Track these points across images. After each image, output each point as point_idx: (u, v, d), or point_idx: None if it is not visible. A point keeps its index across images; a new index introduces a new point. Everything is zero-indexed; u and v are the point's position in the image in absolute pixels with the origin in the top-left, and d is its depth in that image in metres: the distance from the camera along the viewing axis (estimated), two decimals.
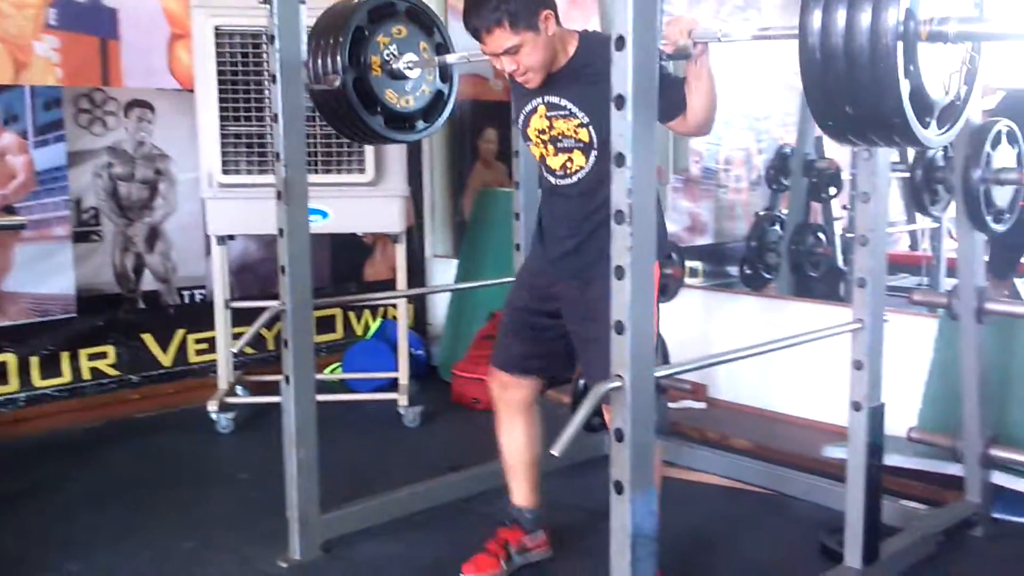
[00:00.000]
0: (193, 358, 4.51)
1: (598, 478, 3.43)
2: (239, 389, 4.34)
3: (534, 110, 2.52)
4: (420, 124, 3.06)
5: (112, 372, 4.29)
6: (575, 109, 2.44)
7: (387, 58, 2.89)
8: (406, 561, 2.90)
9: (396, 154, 4.03)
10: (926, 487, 3.28)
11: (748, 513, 3.28)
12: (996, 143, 2.70)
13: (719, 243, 6.66)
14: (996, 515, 3.08)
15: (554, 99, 2.47)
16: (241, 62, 3.83)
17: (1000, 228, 2.78)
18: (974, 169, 2.66)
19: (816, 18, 1.67)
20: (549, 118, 2.50)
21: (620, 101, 1.79)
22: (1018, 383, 3.22)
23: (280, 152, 2.63)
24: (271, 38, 2.58)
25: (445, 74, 3.08)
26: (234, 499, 3.40)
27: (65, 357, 4.15)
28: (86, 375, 4.22)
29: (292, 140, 2.65)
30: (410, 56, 2.92)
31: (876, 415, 2.56)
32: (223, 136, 3.85)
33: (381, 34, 2.88)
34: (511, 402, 2.79)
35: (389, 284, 5.00)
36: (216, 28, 3.79)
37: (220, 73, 3.82)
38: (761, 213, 5.94)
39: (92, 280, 4.20)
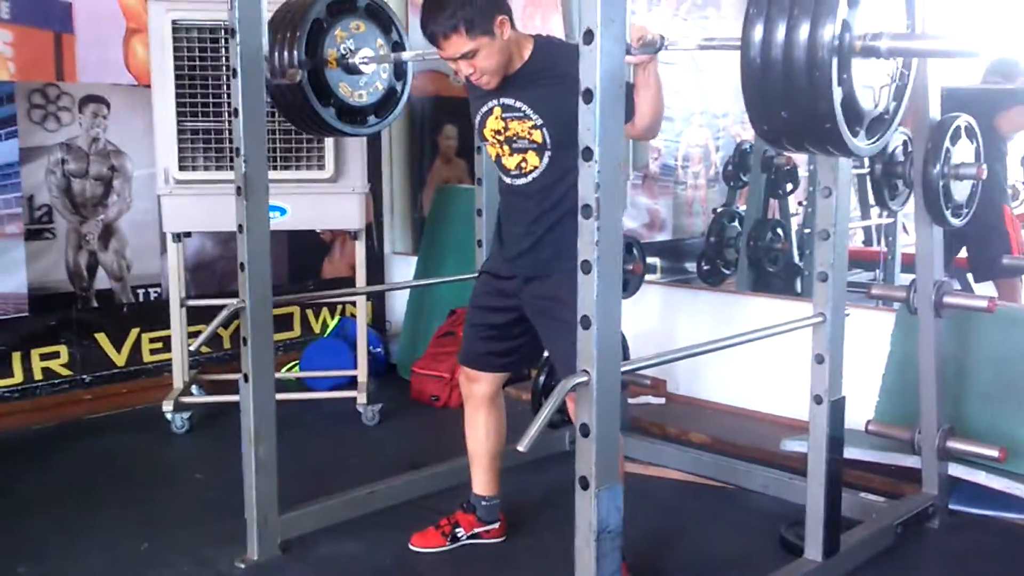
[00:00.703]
0: (148, 357, 4.44)
1: (559, 474, 3.47)
2: (194, 388, 4.27)
3: (490, 111, 2.57)
4: (372, 119, 3.10)
5: (64, 372, 4.20)
6: (529, 111, 2.50)
7: (343, 52, 2.92)
8: (366, 560, 2.88)
9: (356, 150, 4.00)
10: (883, 479, 3.33)
11: (707, 507, 3.30)
12: (956, 138, 2.74)
13: (677, 239, 6.71)
14: (953, 507, 3.14)
15: (509, 101, 2.52)
16: (199, 57, 3.78)
17: (958, 223, 2.82)
18: (934, 164, 2.70)
19: (758, 30, 1.75)
20: (504, 119, 2.54)
21: (588, 95, 1.79)
22: (974, 376, 3.28)
23: (240, 147, 2.59)
24: (231, 32, 2.54)
25: (399, 71, 3.12)
26: (190, 499, 3.35)
27: (16, 357, 4.06)
28: (38, 375, 4.13)
29: (252, 135, 2.61)
30: (366, 51, 2.96)
31: (837, 408, 2.58)
32: (180, 132, 3.80)
33: (339, 28, 2.92)
34: (476, 395, 2.87)
35: (347, 281, 4.96)
36: (173, 22, 3.74)
37: (177, 68, 3.76)
38: (719, 209, 5.99)
39: (44, 278, 4.11)
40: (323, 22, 2.88)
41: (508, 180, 2.63)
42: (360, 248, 4.17)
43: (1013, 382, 3.24)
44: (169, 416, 3.98)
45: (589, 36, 1.78)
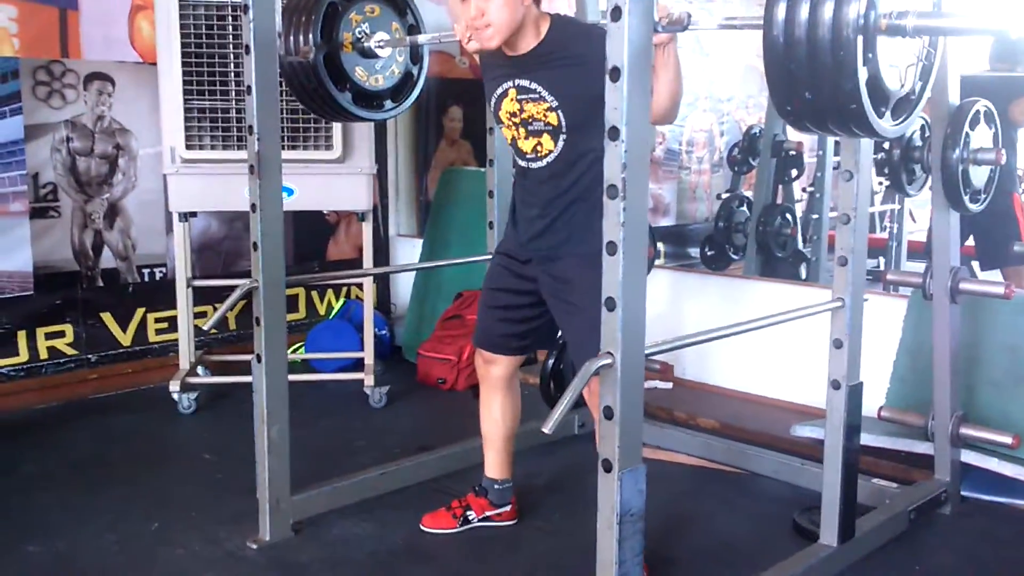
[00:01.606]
0: (153, 337, 4.42)
1: (568, 457, 3.47)
2: (200, 369, 4.25)
3: (505, 93, 2.53)
4: (388, 104, 3.06)
5: (70, 351, 4.18)
6: (545, 93, 2.45)
7: (359, 36, 2.88)
8: (378, 541, 2.86)
9: (363, 131, 3.97)
10: (894, 465, 3.32)
11: (718, 492, 3.29)
12: (975, 123, 2.72)
13: (681, 224, 6.70)
14: (965, 493, 3.13)
15: (524, 82, 2.48)
16: (206, 34, 3.74)
17: (976, 208, 2.81)
18: (953, 149, 2.68)
19: (781, 8, 1.71)
20: (520, 101, 2.51)
21: (615, 73, 1.76)
22: (986, 363, 3.27)
23: (253, 125, 2.56)
24: (245, 8, 2.51)
25: (416, 55, 3.09)
26: (199, 480, 3.33)
27: (22, 336, 4.04)
28: (43, 354, 4.10)
29: (266, 113, 2.58)
30: (381, 35, 2.92)
31: (855, 394, 2.57)
32: (187, 111, 3.76)
33: (354, 12, 2.88)
34: (492, 377, 2.85)
35: (352, 263, 4.95)
36: None
37: (184, 46, 3.72)
38: (726, 195, 5.97)
39: (49, 257, 4.08)
40: (338, 5, 2.84)
41: (524, 163, 2.60)
42: (367, 229, 4.14)
43: None
44: (176, 396, 3.97)
45: (617, 13, 1.75)
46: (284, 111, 3.72)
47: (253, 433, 2.77)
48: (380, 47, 2.91)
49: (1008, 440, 2.92)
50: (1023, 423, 3.11)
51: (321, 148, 3.89)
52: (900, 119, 1.89)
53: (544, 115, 2.47)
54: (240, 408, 3.52)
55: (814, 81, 1.71)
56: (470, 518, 2.91)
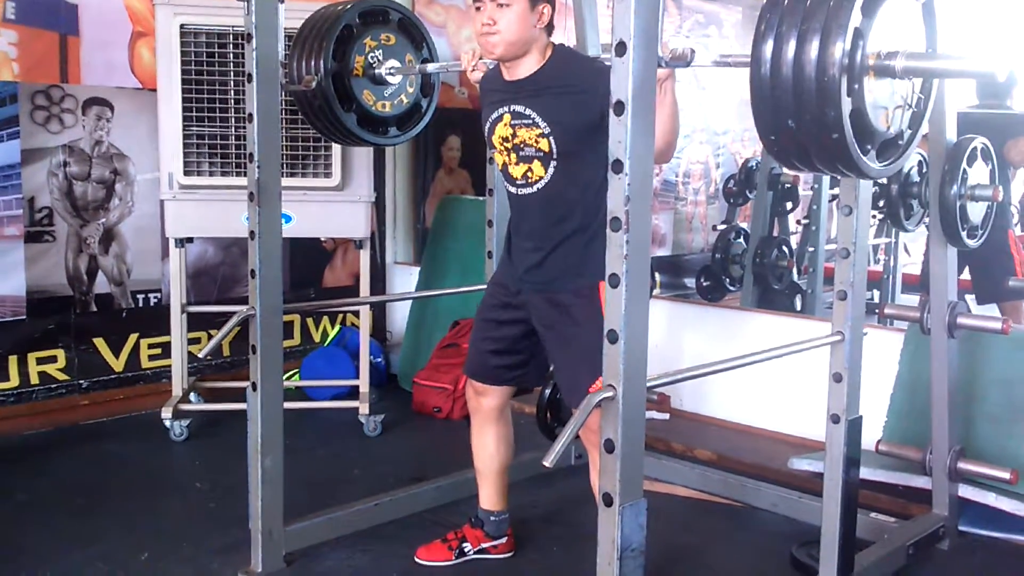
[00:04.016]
0: (146, 363, 4.39)
1: (566, 488, 3.44)
2: (192, 396, 4.23)
3: (499, 118, 2.55)
4: (393, 130, 3.09)
5: (62, 377, 4.15)
6: (538, 119, 2.47)
7: (371, 61, 2.92)
8: (372, 573, 2.83)
9: (362, 159, 3.98)
10: (891, 499, 3.31)
11: (716, 525, 3.27)
12: (972, 160, 2.74)
13: (676, 255, 6.71)
14: (963, 528, 3.12)
15: (519, 108, 2.50)
16: (207, 61, 3.75)
17: (973, 244, 2.81)
18: (951, 185, 2.69)
19: (768, 47, 1.70)
20: (513, 126, 2.52)
21: (619, 107, 1.76)
22: (983, 398, 3.26)
23: (255, 153, 2.56)
24: (248, 37, 2.51)
25: (427, 87, 3.12)
26: (190, 509, 3.30)
27: (13, 361, 4.01)
28: (35, 379, 4.07)
29: (267, 141, 2.57)
30: (393, 62, 2.96)
31: (855, 428, 2.55)
32: (185, 136, 3.77)
33: (369, 37, 2.92)
34: (483, 409, 2.83)
35: (349, 291, 4.93)
36: (181, 27, 3.71)
37: (184, 72, 3.74)
38: (723, 226, 5.99)
39: (43, 281, 4.06)
40: (353, 29, 2.88)
41: (514, 189, 2.60)
42: (365, 257, 4.13)
43: (1023, 404, 3.22)
44: (168, 423, 3.93)
45: (622, 48, 1.76)
46: (284, 138, 3.73)
47: (246, 462, 2.74)
48: (391, 74, 2.95)
49: (1006, 475, 2.91)
50: (1021, 458, 3.10)
51: (320, 176, 3.89)
52: (887, 161, 1.87)
53: (536, 141, 2.48)
54: (233, 436, 3.47)
55: (798, 109, 1.70)
56: (466, 550, 2.88)
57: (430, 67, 3.00)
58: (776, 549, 2.99)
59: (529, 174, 2.53)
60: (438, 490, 3.29)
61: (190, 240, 4.07)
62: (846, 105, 1.68)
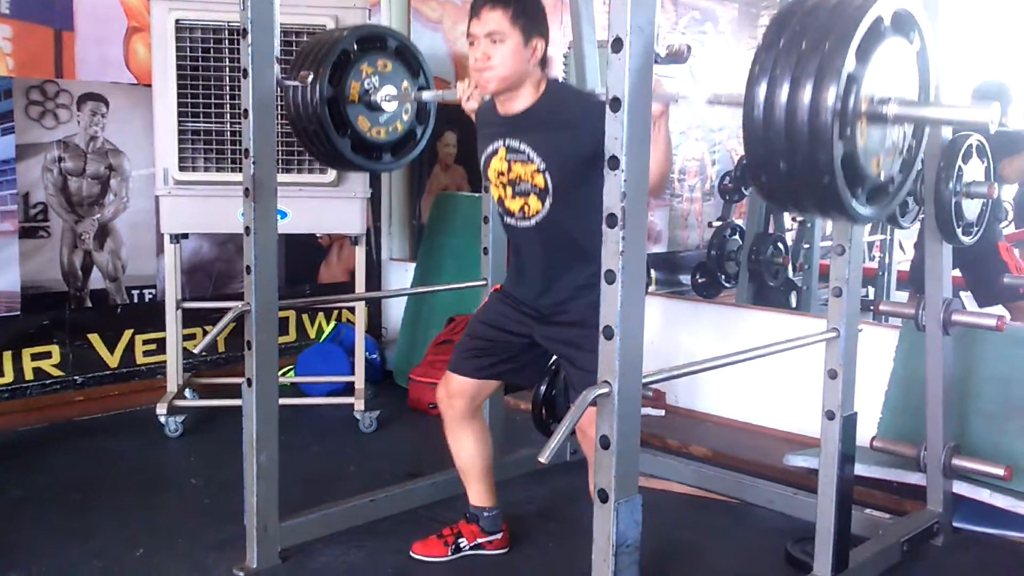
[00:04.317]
0: (141, 359, 4.38)
1: (561, 484, 3.45)
2: (187, 392, 4.22)
3: (495, 152, 2.57)
4: (387, 156, 3.10)
5: (56, 372, 4.14)
6: (533, 155, 2.48)
7: (367, 87, 2.93)
8: (367, 569, 2.83)
9: None
10: (886, 496, 3.32)
11: (712, 521, 3.27)
12: (967, 157, 2.74)
13: (672, 252, 6.71)
14: (957, 524, 3.12)
15: (515, 143, 2.51)
16: (202, 56, 3.75)
17: (968, 241, 2.82)
18: (946, 182, 2.69)
19: (761, 90, 1.70)
20: (509, 161, 2.53)
21: (616, 104, 1.76)
22: (977, 395, 3.27)
23: (250, 148, 2.55)
24: (243, 32, 2.51)
25: (422, 115, 3.13)
26: (185, 505, 3.30)
27: (8, 356, 4.00)
28: (29, 375, 4.06)
29: (262, 137, 2.57)
30: (389, 89, 2.96)
31: (849, 424, 2.56)
32: (181, 132, 3.76)
33: (366, 63, 2.93)
34: (457, 410, 2.81)
35: (344, 287, 4.93)
36: (176, 22, 3.71)
37: (180, 68, 3.73)
38: (719, 223, 5.99)
39: (38, 277, 4.05)
40: (351, 54, 2.89)
41: (512, 222, 2.62)
42: (360, 253, 4.13)
43: (1017, 401, 3.23)
44: (163, 419, 3.93)
45: (618, 44, 1.76)
46: (279, 134, 3.72)
47: (241, 458, 2.75)
48: (386, 101, 2.95)
49: (1000, 472, 2.92)
50: (1015, 454, 3.11)
51: (315, 172, 3.88)
52: (875, 206, 1.87)
53: (531, 176, 2.50)
54: (228, 432, 3.47)
55: (790, 151, 1.69)
56: (461, 546, 2.88)
57: (425, 95, 3.00)
58: (771, 545, 2.99)
59: (526, 208, 2.55)
60: (433, 486, 3.30)
61: (185, 236, 4.06)
62: (838, 149, 1.68)
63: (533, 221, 2.54)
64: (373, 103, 2.93)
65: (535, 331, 2.65)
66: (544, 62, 2.50)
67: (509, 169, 2.53)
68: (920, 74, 1.88)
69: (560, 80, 2.62)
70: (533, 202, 2.52)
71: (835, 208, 1.77)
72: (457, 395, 2.78)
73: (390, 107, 2.97)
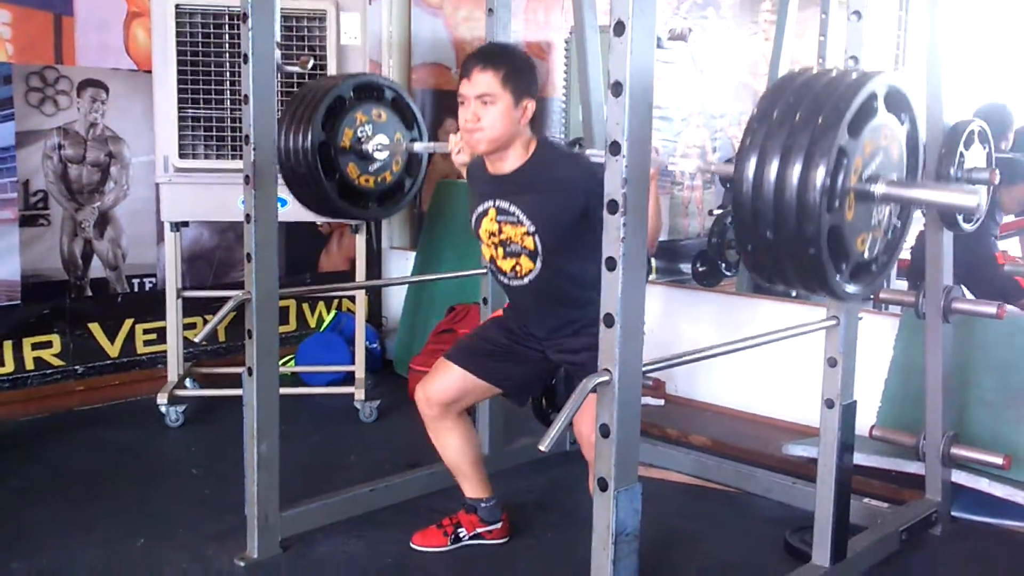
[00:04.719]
0: (141, 349, 4.38)
1: (560, 473, 3.45)
2: (187, 382, 4.22)
3: (485, 212, 2.58)
4: (372, 205, 3.10)
5: (57, 362, 4.14)
6: (523, 217, 2.50)
7: (359, 135, 2.94)
8: (367, 559, 2.84)
9: None
10: (884, 485, 3.32)
11: (710, 511, 3.28)
12: (969, 143, 2.73)
13: (673, 240, 6.70)
14: (955, 513, 3.12)
15: (504, 204, 2.53)
16: (202, 43, 3.74)
17: (969, 228, 2.81)
18: (948, 168, 2.68)
19: (751, 165, 1.71)
20: (499, 222, 2.55)
21: (618, 88, 1.75)
22: (976, 383, 3.27)
23: (250, 135, 2.54)
24: (243, 17, 2.50)
25: (412, 168, 3.13)
26: (186, 495, 3.30)
27: (8, 346, 4.00)
28: (29, 365, 4.06)
29: (263, 123, 2.56)
30: (381, 139, 2.97)
31: (849, 413, 2.56)
32: (181, 119, 3.75)
33: (361, 111, 2.94)
34: (437, 413, 2.79)
35: (344, 276, 4.93)
36: (176, 7, 3.69)
37: (180, 54, 3.72)
38: (719, 211, 5.97)
39: (38, 266, 4.05)
40: (346, 100, 2.90)
41: (504, 280, 2.64)
42: (361, 241, 4.13)
43: (1016, 390, 3.23)
44: (163, 409, 3.93)
45: (620, 28, 1.75)
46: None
47: (241, 447, 2.75)
48: (378, 150, 2.96)
49: (999, 461, 2.92)
50: (1014, 443, 3.11)
51: None
52: (857, 285, 1.88)
53: (522, 239, 2.51)
54: (229, 421, 3.48)
55: (777, 221, 1.69)
56: (461, 535, 2.88)
57: (417, 146, 3.02)
58: (770, 534, 3.00)
59: (518, 268, 2.57)
60: (433, 476, 3.29)
61: (185, 224, 4.05)
62: (826, 220, 1.69)
63: (526, 280, 2.57)
64: (364, 151, 2.95)
65: (546, 350, 2.67)
66: (534, 122, 2.52)
67: (500, 230, 2.56)
68: (908, 155, 1.90)
69: (549, 139, 2.64)
70: (525, 262, 2.55)
71: (818, 280, 1.77)
72: (436, 400, 2.76)
73: (381, 156, 2.98)
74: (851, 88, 1.71)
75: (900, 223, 1.93)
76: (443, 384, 2.75)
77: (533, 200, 2.48)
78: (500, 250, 2.58)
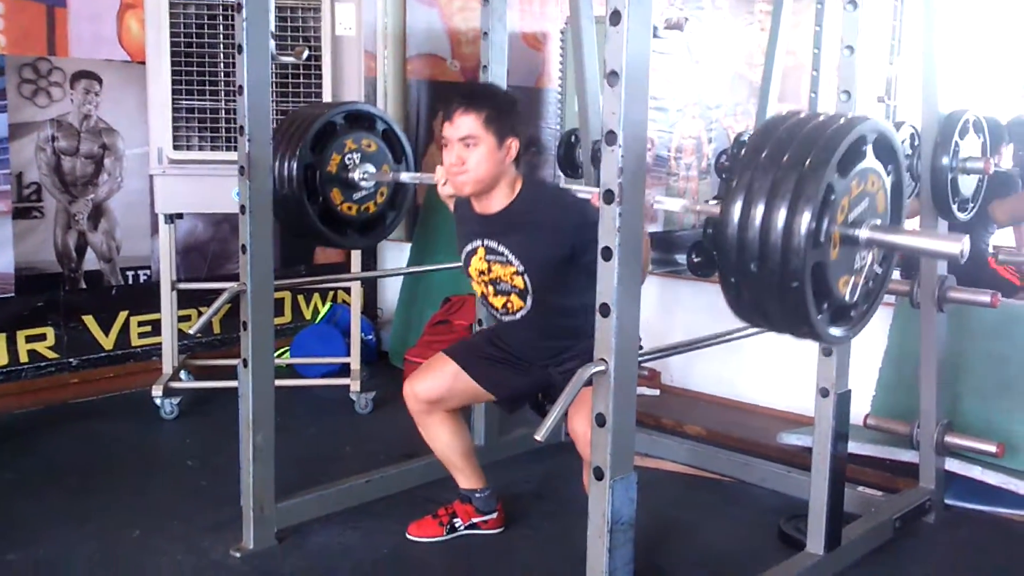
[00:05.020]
0: (136, 341, 4.37)
1: (555, 464, 3.45)
2: (183, 374, 4.22)
3: (474, 251, 2.61)
4: (353, 234, 3.09)
5: (51, 355, 4.13)
6: (512, 257, 2.52)
7: (347, 162, 2.94)
8: (363, 550, 2.84)
9: None
10: (878, 473, 3.34)
11: (705, 499, 3.29)
12: (964, 132, 2.74)
13: (668, 230, 6.69)
14: (949, 501, 3.14)
15: (493, 244, 2.55)
16: (196, 34, 3.72)
17: (964, 217, 2.82)
18: (942, 157, 2.69)
19: (736, 208, 1.72)
20: (488, 261, 2.58)
21: (614, 78, 1.75)
22: (970, 372, 3.28)
23: (245, 126, 2.54)
24: (238, 7, 2.49)
25: (396, 200, 3.13)
26: (181, 486, 3.30)
27: (2, 339, 3.99)
28: (23, 357, 4.05)
29: (257, 113, 2.55)
30: (368, 167, 2.97)
31: (843, 401, 2.57)
32: (175, 110, 3.74)
33: (351, 139, 2.94)
34: (424, 409, 2.80)
35: (340, 267, 4.92)
36: None
37: (173, 45, 3.70)
38: (715, 201, 5.96)
39: (32, 258, 4.04)
40: (336, 126, 2.91)
41: (496, 314, 2.67)
42: None
43: (1009, 378, 3.25)
44: (158, 401, 3.93)
45: (616, 17, 1.75)
46: (274, 111, 3.70)
47: (237, 439, 2.75)
48: (363, 179, 2.97)
49: (992, 448, 2.94)
50: (1007, 432, 3.13)
51: None
52: (836, 328, 1.88)
53: (511, 278, 2.54)
54: (224, 413, 3.48)
55: (763, 253, 1.70)
56: (457, 525, 2.89)
57: (403, 176, 3.02)
58: (764, 523, 3.01)
59: (509, 305, 2.60)
60: (429, 466, 3.29)
61: (180, 216, 4.04)
62: (810, 257, 1.70)
63: (518, 315, 2.60)
64: (350, 179, 2.95)
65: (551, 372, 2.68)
66: (519, 160, 2.52)
67: (489, 269, 2.58)
68: (892, 207, 1.92)
69: (535, 178, 2.65)
70: (515, 300, 2.57)
71: (798, 317, 1.77)
72: (423, 396, 2.76)
73: (366, 185, 2.98)
74: (843, 128, 1.73)
75: (881, 271, 1.95)
76: (432, 382, 2.75)
77: (521, 240, 2.50)
78: (491, 288, 2.61)
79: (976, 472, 3.14)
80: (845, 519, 2.74)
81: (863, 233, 1.79)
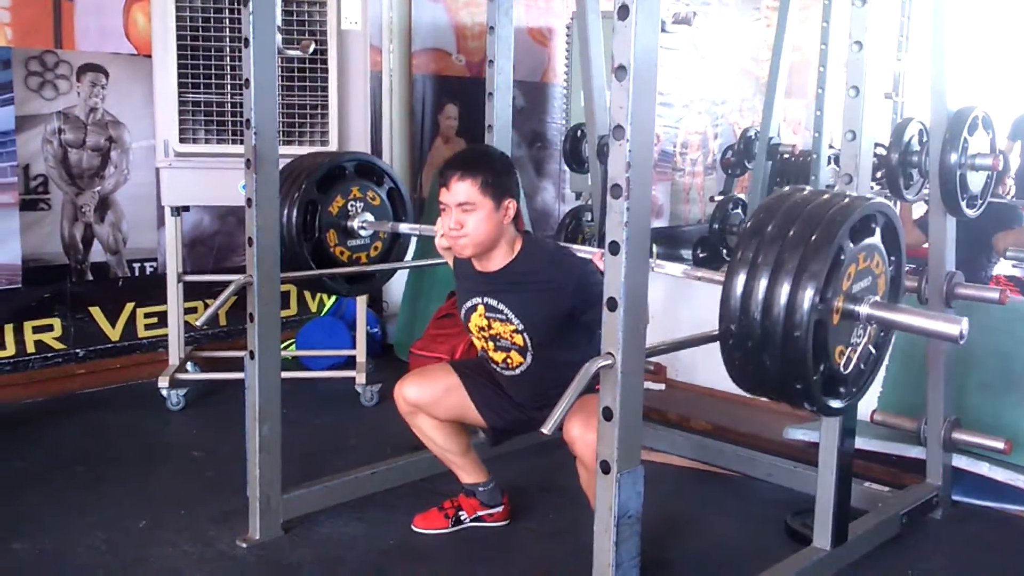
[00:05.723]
0: (142, 332, 4.38)
1: (561, 457, 3.44)
2: (189, 365, 4.23)
3: (474, 308, 2.63)
4: (341, 282, 3.14)
5: (58, 346, 4.14)
6: (511, 315, 2.54)
7: (349, 208, 3.01)
8: (369, 541, 2.85)
9: (359, 127, 3.97)
10: (885, 469, 3.33)
11: (711, 494, 3.29)
12: (973, 129, 2.73)
13: (674, 226, 6.70)
14: (956, 497, 3.14)
15: (493, 302, 2.57)
16: (202, 26, 3.72)
17: (972, 213, 2.81)
18: (951, 154, 2.68)
19: (739, 280, 1.83)
20: (488, 318, 2.60)
21: (622, 72, 1.75)
22: (978, 368, 3.27)
23: (251, 119, 2.54)
24: (244, 1, 2.48)
25: (391, 256, 3.19)
26: (188, 477, 3.31)
27: (9, 329, 4.00)
28: (31, 348, 4.07)
29: (264, 107, 2.55)
30: (367, 217, 3.03)
31: None
32: (181, 103, 3.74)
33: (357, 187, 3.01)
34: (411, 410, 2.80)
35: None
36: None
37: (180, 38, 3.71)
38: (720, 197, 5.96)
39: (39, 250, 4.05)
40: (345, 171, 2.96)
41: (495, 368, 2.68)
42: None
43: (1017, 375, 3.24)
44: (165, 393, 3.94)
45: (624, 11, 1.75)
46: (281, 105, 3.71)
47: (243, 430, 2.75)
48: (362, 228, 3.03)
49: (1000, 445, 2.93)
50: (1015, 428, 3.12)
51: (317, 143, 3.87)
52: (827, 393, 1.91)
53: (511, 336, 2.56)
54: (230, 405, 3.48)
55: (766, 303, 1.76)
56: (462, 518, 2.89)
57: (402, 227, 3.08)
58: (771, 518, 3.01)
59: (509, 360, 2.62)
60: (434, 459, 3.26)
61: (186, 209, 4.05)
62: (814, 313, 1.74)
63: (518, 371, 2.64)
64: (348, 227, 3.01)
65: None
66: (517, 219, 2.55)
67: (489, 326, 2.61)
68: (891, 290, 1.96)
69: (534, 237, 2.69)
70: (515, 356, 2.60)
71: (796, 370, 1.80)
72: (411, 399, 2.76)
73: (364, 234, 3.04)
74: (859, 200, 1.84)
75: (875, 353, 1.98)
76: (421, 389, 2.75)
77: (520, 299, 2.53)
78: (491, 343, 2.64)
79: (983, 468, 3.13)
80: (852, 515, 2.74)
81: (863, 309, 1.85)
